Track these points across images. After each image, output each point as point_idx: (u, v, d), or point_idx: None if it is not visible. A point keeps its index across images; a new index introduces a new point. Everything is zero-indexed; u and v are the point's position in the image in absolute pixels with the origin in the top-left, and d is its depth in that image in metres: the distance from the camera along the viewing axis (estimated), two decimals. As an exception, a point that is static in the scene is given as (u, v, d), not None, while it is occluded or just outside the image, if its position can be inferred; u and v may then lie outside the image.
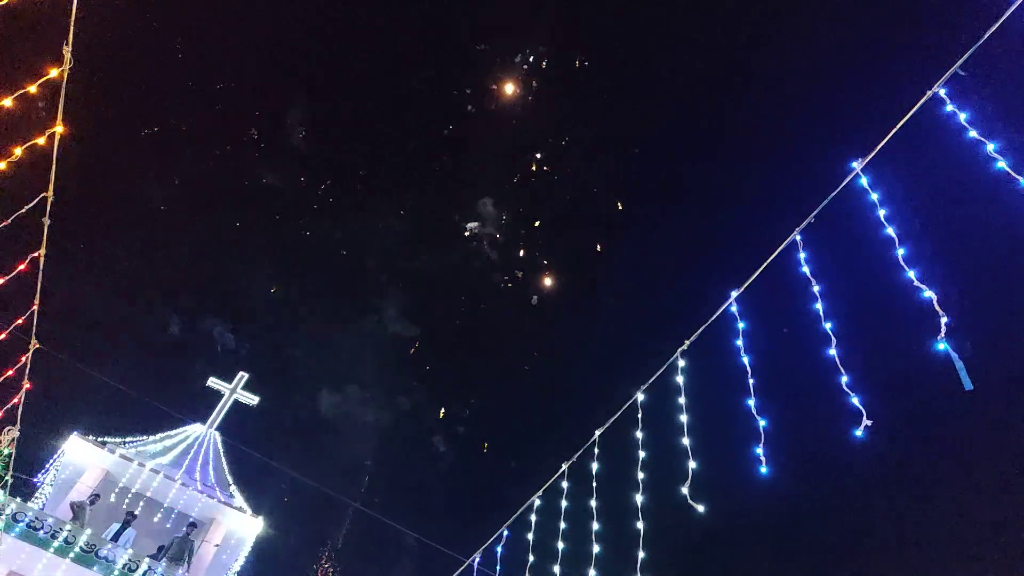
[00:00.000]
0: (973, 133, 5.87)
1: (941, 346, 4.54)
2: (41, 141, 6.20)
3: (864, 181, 6.55)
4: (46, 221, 7.11)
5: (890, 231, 5.90)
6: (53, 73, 5.64)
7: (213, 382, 27.41)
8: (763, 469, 5.59)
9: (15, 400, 9.54)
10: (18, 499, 19.07)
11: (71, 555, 18.13)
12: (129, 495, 22.15)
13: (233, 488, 24.62)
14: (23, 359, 9.07)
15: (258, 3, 49.26)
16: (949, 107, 6.17)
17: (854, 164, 6.66)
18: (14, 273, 7.84)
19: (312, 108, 52.88)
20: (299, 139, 52.37)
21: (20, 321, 8.39)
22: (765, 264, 7.30)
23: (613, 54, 53.70)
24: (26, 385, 9.28)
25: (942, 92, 6.25)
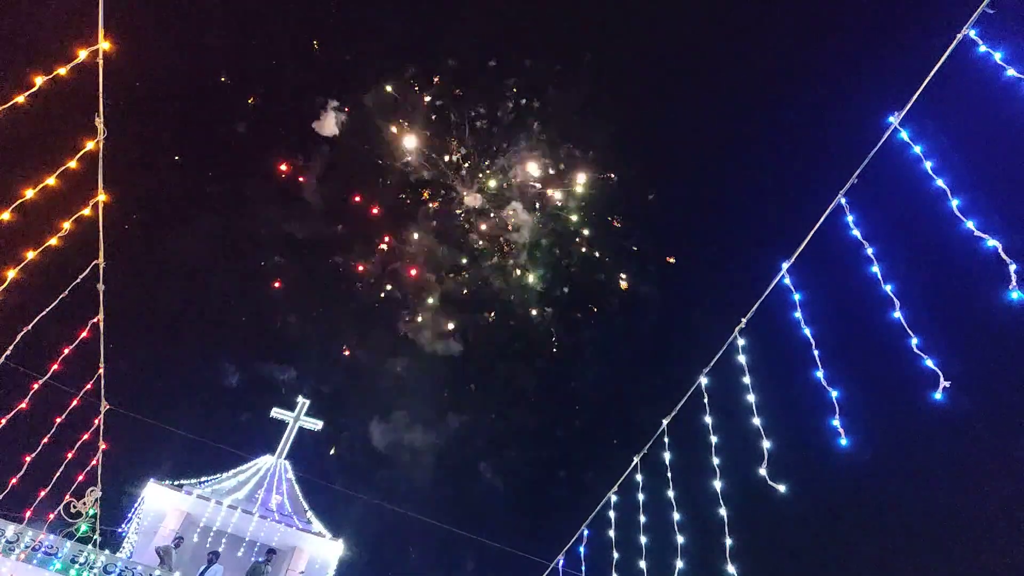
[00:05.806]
0: (1012, 71, 5.67)
1: (1015, 295, 4.38)
2: (87, 212, 6.37)
3: (904, 134, 6.39)
4: (101, 287, 7.26)
5: (940, 183, 5.72)
6: (89, 145, 5.80)
7: (277, 412, 27.86)
8: (842, 441, 5.48)
9: (94, 462, 9.83)
10: (106, 551, 19.62)
11: (164, 599, 18.59)
12: (211, 534, 22.66)
13: (310, 514, 25.02)
14: (96, 422, 9.36)
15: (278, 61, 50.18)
16: (982, 48, 5.98)
17: (891, 119, 6.50)
18: (78, 340, 8.06)
19: (329, 157, 53.61)
20: (318, 187, 53.40)
21: (89, 386, 8.66)
22: (813, 231, 7.17)
23: (647, 29, 52.89)
24: (102, 446, 9.57)
25: (972, 34, 6.06)
